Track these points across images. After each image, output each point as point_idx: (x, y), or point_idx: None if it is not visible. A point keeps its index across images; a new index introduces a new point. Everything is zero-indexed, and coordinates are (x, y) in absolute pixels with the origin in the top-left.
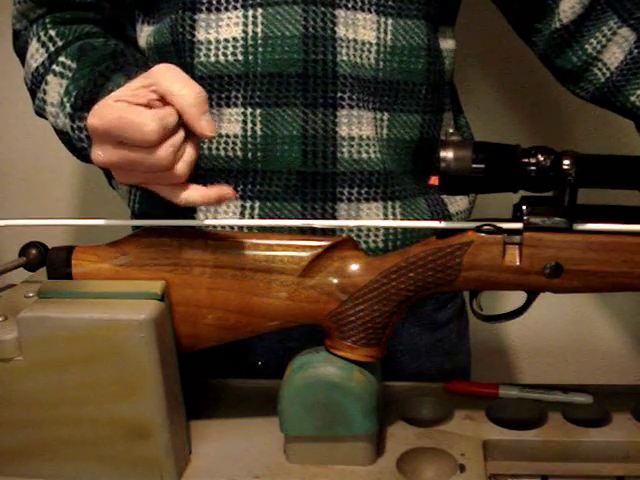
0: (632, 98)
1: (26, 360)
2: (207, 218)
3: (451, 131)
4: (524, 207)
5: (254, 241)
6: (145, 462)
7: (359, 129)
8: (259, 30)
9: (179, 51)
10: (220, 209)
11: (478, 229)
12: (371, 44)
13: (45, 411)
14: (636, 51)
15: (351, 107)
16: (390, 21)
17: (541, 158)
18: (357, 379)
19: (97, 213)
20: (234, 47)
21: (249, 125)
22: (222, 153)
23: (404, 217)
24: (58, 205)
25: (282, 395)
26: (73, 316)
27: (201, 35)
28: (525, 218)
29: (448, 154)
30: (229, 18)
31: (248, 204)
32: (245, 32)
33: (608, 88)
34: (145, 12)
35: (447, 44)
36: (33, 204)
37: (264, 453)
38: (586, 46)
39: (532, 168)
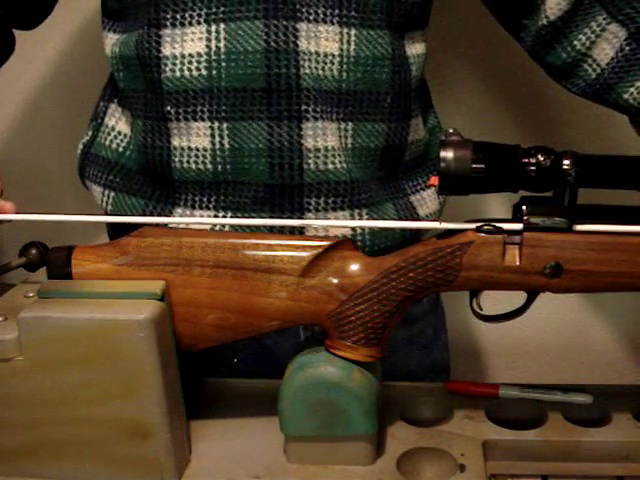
0: (625, 96)
1: (26, 360)
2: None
3: (451, 131)
4: (524, 207)
5: (254, 241)
6: (145, 462)
7: (324, 140)
8: (222, 45)
9: (145, 66)
10: (194, 218)
11: (478, 229)
12: (334, 56)
13: (45, 411)
14: (627, 48)
15: (315, 119)
16: (353, 31)
17: (541, 158)
18: (357, 379)
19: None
20: (198, 62)
21: (217, 139)
22: (193, 166)
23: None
24: (58, 205)
25: (282, 395)
26: (73, 316)
27: (167, 50)
28: (525, 218)
29: (448, 154)
30: (193, 33)
31: (220, 214)
32: (209, 47)
33: (600, 85)
34: (112, 20)
35: (415, 49)
36: (33, 204)
37: (264, 453)
38: (575, 42)
39: (532, 168)
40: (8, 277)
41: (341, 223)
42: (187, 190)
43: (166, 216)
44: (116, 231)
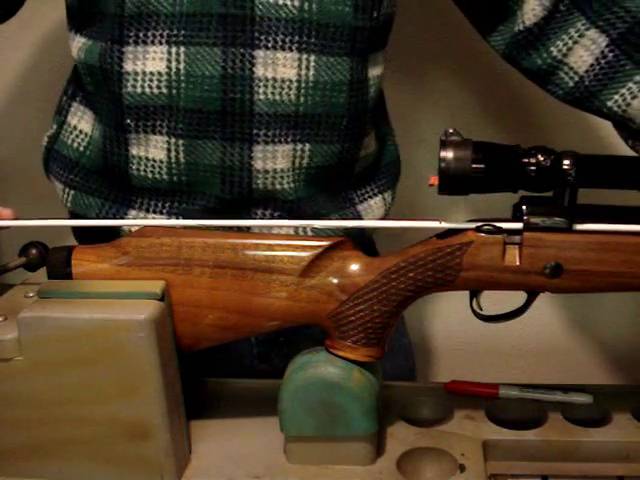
0: (609, 103)
1: (26, 360)
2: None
3: (451, 131)
4: (524, 207)
5: (254, 241)
6: (145, 462)
7: (274, 163)
8: (182, 67)
9: (108, 79)
10: (148, 219)
11: (478, 229)
12: (291, 81)
13: (45, 411)
14: (611, 55)
15: (266, 143)
16: (312, 57)
17: (541, 158)
18: (357, 379)
19: None
20: (159, 80)
21: (173, 153)
22: (149, 175)
23: (315, 234)
24: (58, 205)
25: (282, 395)
26: (73, 316)
27: (129, 66)
28: (525, 218)
29: (448, 154)
30: (155, 52)
31: (173, 219)
32: (169, 67)
33: (580, 93)
34: (76, 23)
35: (375, 71)
36: (33, 204)
37: (264, 453)
38: (551, 48)
39: (532, 168)
40: (8, 277)
41: (339, 224)
42: (143, 195)
43: (121, 218)
44: (80, 231)
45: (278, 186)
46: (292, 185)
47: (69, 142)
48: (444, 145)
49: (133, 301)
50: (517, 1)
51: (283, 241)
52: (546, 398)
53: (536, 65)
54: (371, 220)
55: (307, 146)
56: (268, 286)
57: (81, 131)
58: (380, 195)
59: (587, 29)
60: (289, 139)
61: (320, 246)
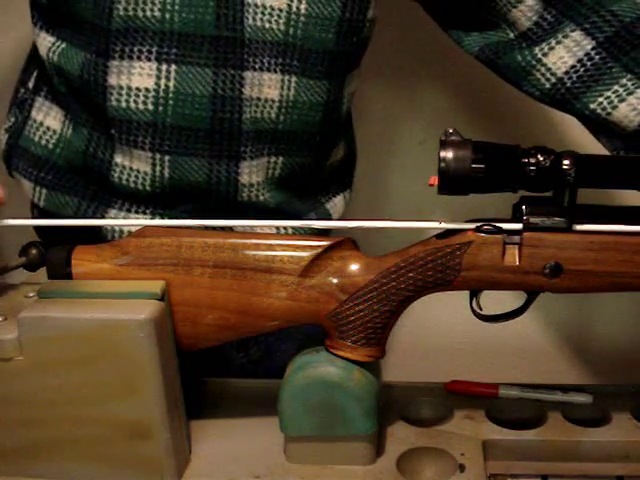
0: (592, 106)
1: (26, 360)
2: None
3: (451, 131)
4: (524, 207)
5: (254, 241)
6: (145, 462)
7: (257, 176)
8: (171, 85)
9: (90, 90)
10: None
11: (478, 229)
12: (274, 101)
13: (45, 411)
14: (597, 57)
15: (252, 158)
16: (294, 78)
17: (541, 158)
18: (357, 379)
19: None
20: (145, 97)
21: (158, 167)
22: (132, 185)
23: (295, 232)
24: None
25: (282, 395)
26: (73, 316)
27: (113, 80)
28: (525, 218)
29: (448, 154)
30: (142, 68)
31: (157, 219)
32: (158, 84)
33: (561, 95)
34: (45, 20)
35: (349, 89)
36: None
37: (264, 453)
38: (535, 49)
39: (532, 168)
40: (8, 277)
41: (339, 224)
42: (124, 197)
43: (101, 217)
44: (46, 231)
45: (261, 197)
46: (272, 194)
47: (36, 139)
48: (444, 145)
49: (133, 301)
50: (500, 15)
51: (283, 241)
52: (546, 398)
53: (515, 62)
54: (335, 219)
55: (280, 159)
56: (268, 286)
57: (48, 128)
58: (342, 193)
59: (572, 30)
60: (265, 152)
61: (320, 246)
